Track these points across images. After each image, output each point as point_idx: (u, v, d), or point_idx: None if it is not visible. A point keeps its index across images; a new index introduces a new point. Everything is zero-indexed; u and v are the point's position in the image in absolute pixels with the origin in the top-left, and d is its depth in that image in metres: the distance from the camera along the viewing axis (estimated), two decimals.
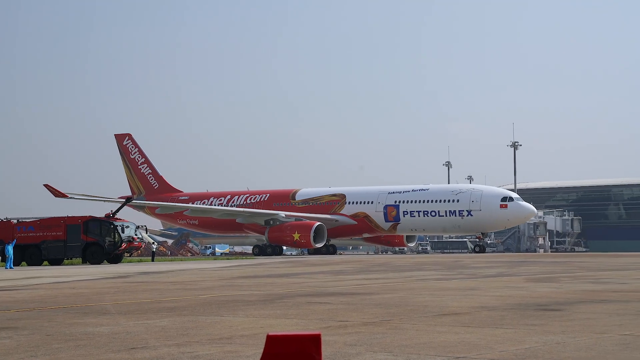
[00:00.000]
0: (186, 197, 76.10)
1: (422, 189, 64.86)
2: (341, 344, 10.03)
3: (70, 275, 30.25)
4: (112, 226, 48.30)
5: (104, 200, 77.34)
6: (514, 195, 62.32)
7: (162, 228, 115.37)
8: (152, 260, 55.66)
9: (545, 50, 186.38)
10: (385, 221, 65.43)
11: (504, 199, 60.92)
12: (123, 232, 48.30)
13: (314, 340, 4.79)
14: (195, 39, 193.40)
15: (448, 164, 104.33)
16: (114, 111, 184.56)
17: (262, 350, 5.37)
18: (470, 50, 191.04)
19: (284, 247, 70.40)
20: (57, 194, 60.48)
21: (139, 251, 57.16)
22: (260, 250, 68.90)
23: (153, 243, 65.34)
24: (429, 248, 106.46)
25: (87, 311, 14.89)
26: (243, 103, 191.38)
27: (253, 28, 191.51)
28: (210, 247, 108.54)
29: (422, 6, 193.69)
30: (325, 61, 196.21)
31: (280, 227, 65.72)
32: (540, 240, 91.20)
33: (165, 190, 78.57)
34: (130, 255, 54.08)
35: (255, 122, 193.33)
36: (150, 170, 79.74)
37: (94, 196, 72.90)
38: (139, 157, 79.91)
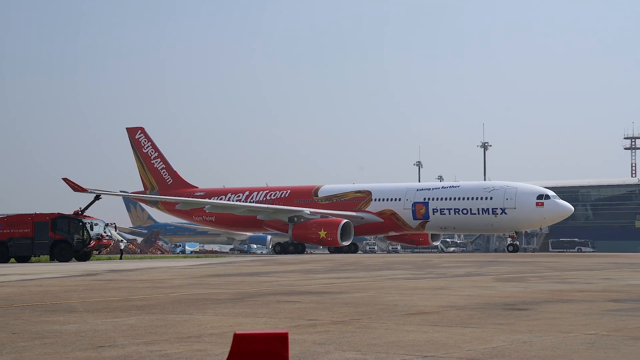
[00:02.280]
0: (202, 193, 73.82)
1: (453, 186, 63.04)
2: (310, 342, 10.04)
3: (38, 273, 29.95)
4: (80, 223, 47.88)
5: (124, 196, 76.80)
6: (550, 192, 59.76)
7: (131, 226, 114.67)
8: (120, 258, 55.26)
9: (515, 51, 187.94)
10: (414, 219, 63.34)
11: (540, 196, 58.74)
12: (92, 229, 47.91)
13: (282, 339, 4.79)
14: (211, 31, 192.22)
15: (419, 164, 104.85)
16: (125, 104, 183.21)
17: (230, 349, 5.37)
18: (441, 51, 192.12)
19: (306, 245, 68.38)
20: (76, 188, 59.79)
21: (108, 249, 56.66)
22: (282, 248, 66.50)
23: (121, 241, 64.53)
24: (399, 247, 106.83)
25: (55, 309, 14.75)
26: (259, 98, 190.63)
27: (255, 24, 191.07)
28: (180, 245, 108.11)
29: (396, 8, 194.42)
30: (301, 60, 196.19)
31: (305, 224, 63.51)
32: (510, 241, 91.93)
33: (179, 185, 76.36)
34: (99, 253, 53.65)
35: (270, 117, 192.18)
36: (163, 165, 77.37)
37: (112, 191, 72.28)
38: (152, 151, 77.49)
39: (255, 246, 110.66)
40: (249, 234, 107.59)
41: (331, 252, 66.05)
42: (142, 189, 76.31)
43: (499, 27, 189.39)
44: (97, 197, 52.26)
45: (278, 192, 70.27)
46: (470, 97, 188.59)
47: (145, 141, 77.16)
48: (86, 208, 49.93)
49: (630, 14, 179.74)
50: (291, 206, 66.31)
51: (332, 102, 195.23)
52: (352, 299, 16.31)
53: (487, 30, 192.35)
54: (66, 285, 22.18)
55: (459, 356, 9.01)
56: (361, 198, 66.38)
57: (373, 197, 65.74)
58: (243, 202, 68.43)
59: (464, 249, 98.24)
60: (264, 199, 70.02)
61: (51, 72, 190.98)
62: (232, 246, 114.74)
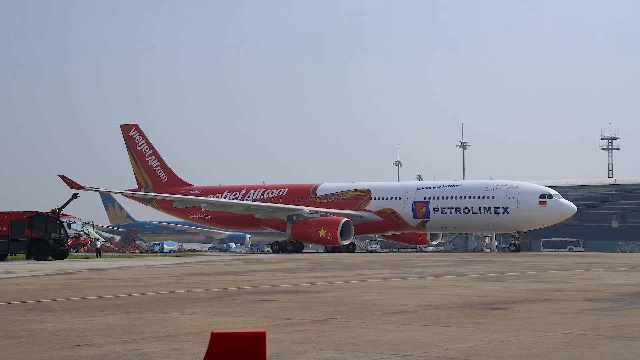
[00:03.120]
0: (198, 191, 72.64)
1: (454, 185, 61.91)
2: (288, 341, 10.04)
3: (14, 272, 29.70)
4: (57, 222, 47.56)
5: (122, 194, 75.88)
6: (553, 192, 59.09)
7: (109, 224, 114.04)
8: (98, 257, 54.93)
9: (494, 52, 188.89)
10: (414, 218, 62.23)
11: (543, 195, 57.89)
12: (69, 227, 47.60)
13: (259, 338, 4.77)
14: (207, 26, 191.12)
15: (398, 163, 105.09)
16: (119, 101, 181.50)
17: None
18: (420, 50, 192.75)
19: (304, 244, 67.38)
20: (72, 185, 58.98)
21: (86, 247, 56.31)
22: (280, 247, 65.25)
23: (98, 239, 63.99)
24: (378, 247, 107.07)
25: (31, 308, 14.64)
26: (255, 95, 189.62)
27: (252, 21, 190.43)
28: (158, 244, 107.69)
29: (376, 6, 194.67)
30: (285, 59, 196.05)
31: (305, 222, 62.44)
32: (487, 240, 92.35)
33: (174, 183, 75.20)
34: (76, 252, 53.31)
35: (266, 114, 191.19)
36: (158, 163, 76.05)
37: (110, 190, 71.46)
38: (147, 148, 76.16)
39: (234, 245, 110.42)
40: (228, 233, 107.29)
41: (328, 251, 65.05)
42: (136, 187, 75.59)
43: (478, 28, 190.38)
44: (75, 195, 51.88)
45: (275, 190, 69.21)
46: (450, 98, 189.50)
47: (139, 138, 76.04)
48: (64, 206, 49.60)
49: (608, 17, 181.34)
50: (289, 205, 65.44)
51: (310, 101, 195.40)
52: (330, 298, 16.32)
53: (467, 31, 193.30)
54: (43, 284, 22.01)
55: (436, 355, 9.04)
56: (360, 197, 65.41)
57: (373, 196, 64.64)
58: (240, 200, 67.75)
59: (443, 248, 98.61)
60: (261, 197, 69.05)
61: (44, 69, 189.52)
62: (210, 245, 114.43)
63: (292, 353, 9.17)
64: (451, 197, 60.57)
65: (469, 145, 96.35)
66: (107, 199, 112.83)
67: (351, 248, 64.69)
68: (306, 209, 63.17)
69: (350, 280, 23.11)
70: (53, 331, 11.12)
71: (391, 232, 66.27)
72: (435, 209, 60.83)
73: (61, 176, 59.48)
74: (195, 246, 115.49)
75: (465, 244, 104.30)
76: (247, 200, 67.57)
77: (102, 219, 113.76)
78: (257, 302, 15.67)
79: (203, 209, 68.36)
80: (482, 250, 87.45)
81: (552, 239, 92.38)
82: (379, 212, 63.49)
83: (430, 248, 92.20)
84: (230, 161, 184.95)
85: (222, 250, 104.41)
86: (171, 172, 74.64)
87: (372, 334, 10.69)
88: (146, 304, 15.32)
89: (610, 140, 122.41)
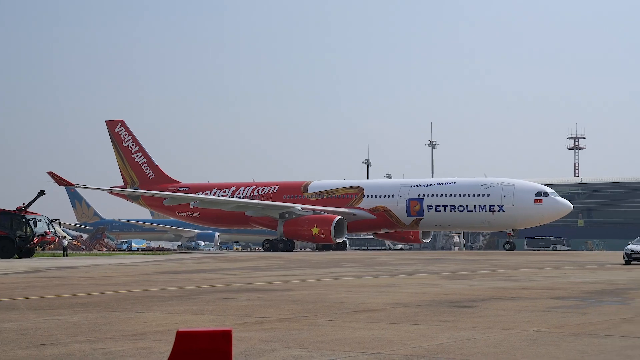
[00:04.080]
0: (186, 189, 71.22)
1: (448, 182, 60.78)
2: (256, 340, 10.03)
3: None
4: (23, 219, 46.98)
5: (110, 192, 74.35)
6: (549, 190, 58.28)
7: (76, 222, 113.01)
8: (64, 255, 54.39)
9: (463, 51, 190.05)
10: (408, 216, 61.21)
11: (539, 193, 57.22)
12: (35, 225, 47.05)
13: (225, 337, 4.75)
14: (197, 22, 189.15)
15: (367, 162, 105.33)
16: (105, 96, 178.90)
17: None
18: (390, 49, 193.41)
19: (295, 243, 66.47)
20: (61, 182, 57.69)
21: (52, 245, 55.70)
22: (271, 246, 63.87)
23: (64, 237, 63.22)
24: (347, 245, 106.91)
25: None
26: (243, 90, 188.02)
27: (247, 18, 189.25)
28: (126, 242, 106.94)
29: (345, 7, 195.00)
30: (250, 57, 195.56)
31: (297, 220, 61.28)
32: (456, 239, 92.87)
33: (161, 180, 73.71)
34: (42, 250, 52.75)
35: (255, 110, 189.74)
36: (145, 159, 74.47)
37: (99, 187, 70.25)
38: (133, 145, 74.55)
39: (203, 243, 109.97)
40: (197, 231, 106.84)
41: (319, 249, 63.87)
42: (122, 184, 74.38)
43: (447, 27, 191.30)
44: (42, 193, 51.29)
45: (266, 187, 68.06)
46: (419, 97, 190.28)
47: (125, 134, 74.52)
48: (30, 204, 49.01)
49: (575, 18, 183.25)
50: (279, 202, 64.63)
51: (281, 99, 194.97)
52: (299, 297, 16.33)
53: (434, 31, 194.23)
54: (8, 283, 21.75)
55: (404, 353, 9.08)
56: (353, 194, 64.43)
57: (365, 194, 63.53)
58: (229, 197, 66.82)
59: (412, 246, 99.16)
60: (251, 194, 67.92)
61: (29, 64, 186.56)
62: (179, 243, 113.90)
63: (260, 351, 9.16)
64: (445, 195, 59.67)
65: (438, 144, 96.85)
66: (74, 196, 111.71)
67: (342, 246, 63.95)
68: (298, 206, 62.29)
69: (319, 278, 23.13)
70: (18, 330, 11.00)
71: (384, 230, 65.32)
72: (430, 207, 59.94)
73: (50, 173, 58.49)
74: (163, 244, 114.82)
75: (433, 242, 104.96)
76: (236, 197, 66.65)
77: (69, 216, 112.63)
78: (225, 300, 15.63)
79: (192, 207, 67.37)
80: (450, 249, 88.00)
81: (535, 237, 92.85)
82: (371, 210, 62.56)
83: (400, 247, 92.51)
84: (218, 158, 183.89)
85: (190, 249, 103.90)
86: (158, 169, 73.43)
87: (340, 332, 10.71)
88: (113, 302, 15.21)
89: (576, 140, 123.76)
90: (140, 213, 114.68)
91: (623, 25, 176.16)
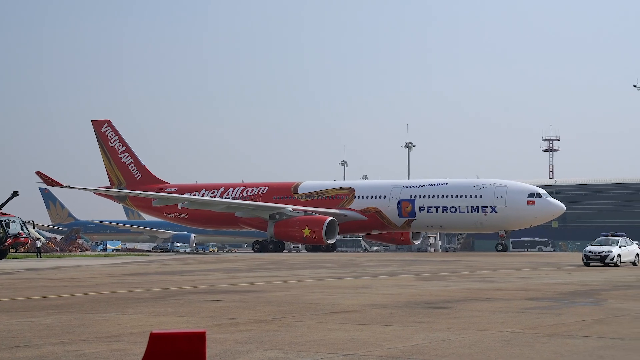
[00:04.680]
0: (174, 189, 69.97)
1: (440, 183, 60.10)
2: (232, 341, 10.00)
3: None
4: None
5: (98, 193, 73.32)
6: (541, 191, 57.97)
7: (50, 223, 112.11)
8: (38, 257, 53.92)
9: (438, 52, 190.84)
10: (399, 217, 60.43)
11: (531, 195, 56.84)
12: (8, 227, 46.57)
13: (199, 338, 4.73)
14: (179, 23, 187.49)
15: (344, 163, 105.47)
16: (91, 96, 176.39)
17: None
18: (365, 50, 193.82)
19: (285, 244, 65.73)
20: (49, 182, 56.82)
21: (26, 247, 55.17)
22: (261, 247, 62.83)
23: (38, 239, 62.59)
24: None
25: None
26: (232, 90, 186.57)
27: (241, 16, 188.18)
28: (101, 244, 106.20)
29: (321, 7, 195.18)
30: (235, 58, 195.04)
31: (288, 221, 60.45)
32: (432, 240, 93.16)
33: (149, 181, 72.38)
34: (16, 251, 52.24)
35: (244, 110, 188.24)
36: (132, 160, 73.11)
37: (87, 188, 69.32)
38: (120, 145, 73.16)
39: (178, 244, 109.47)
40: (173, 232, 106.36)
41: (308, 250, 63.25)
42: (108, 185, 73.24)
43: (423, 28, 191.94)
44: (15, 194, 50.79)
45: (255, 188, 67.23)
46: (395, 98, 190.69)
47: (112, 134, 73.32)
48: (3, 205, 48.50)
49: (550, 20, 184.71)
50: (269, 203, 64.06)
51: (257, 100, 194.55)
52: (275, 298, 16.31)
53: (412, 32, 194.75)
54: None
55: (379, 354, 9.11)
56: (344, 195, 63.72)
57: (356, 194, 62.71)
58: (218, 198, 66.04)
59: (388, 247, 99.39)
60: (240, 195, 67.05)
61: (14, 64, 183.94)
62: (155, 244, 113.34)
63: (235, 353, 9.14)
64: (437, 196, 59.09)
65: (414, 146, 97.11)
66: (48, 197, 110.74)
67: (332, 247, 63.46)
68: (289, 207, 61.58)
69: (295, 279, 23.13)
70: None
71: (375, 232, 64.65)
72: (422, 208, 59.33)
73: (38, 173, 57.83)
74: (139, 246, 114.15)
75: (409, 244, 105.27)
76: (225, 198, 66.02)
77: (43, 217, 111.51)
78: (200, 302, 15.58)
79: (180, 207, 66.43)
80: (426, 250, 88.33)
81: (521, 238, 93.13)
82: (363, 211, 61.81)
83: (376, 248, 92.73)
84: (205, 158, 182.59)
85: (166, 250, 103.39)
86: (145, 170, 72.39)
87: (315, 334, 10.72)
88: (87, 304, 15.10)
89: (551, 142, 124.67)
90: (115, 214, 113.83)
91: (598, 28, 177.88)
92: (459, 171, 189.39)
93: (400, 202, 60.32)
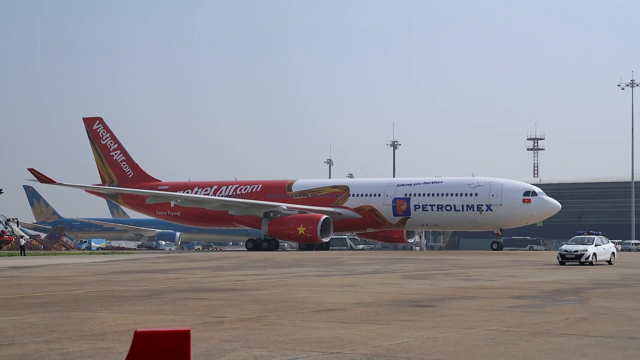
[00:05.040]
0: (166, 187, 69.43)
1: (435, 182, 59.93)
2: (217, 340, 9.99)
3: None
4: None
5: (91, 190, 72.73)
6: (537, 189, 57.92)
7: (35, 221, 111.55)
8: (22, 255, 53.64)
9: (424, 52, 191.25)
10: (394, 215, 60.14)
11: (527, 193, 56.81)
12: None
13: (184, 336, 4.72)
14: (172, 21, 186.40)
15: (329, 162, 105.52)
16: (82, 94, 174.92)
17: None
18: (351, 49, 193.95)
19: (279, 242, 64.04)
20: (42, 179, 56.42)
21: (9, 245, 54.89)
22: (255, 245, 62.68)
23: (22, 237, 62.23)
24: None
25: None
26: (222, 89, 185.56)
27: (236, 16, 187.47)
28: (86, 242, 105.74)
29: (307, 7, 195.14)
30: (225, 57, 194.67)
31: (282, 220, 60.13)
32: (417, 238, 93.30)
33: (141, 179, 71.81)
34: None
35: (234, 108, 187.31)
36: (124, 157, 72.55)
37: (80, 185, 68.80)
38: (111, 142, 72.59)
39: (163, 242, 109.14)
40: (158, 230, 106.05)
41: (302, 249, 62.93)
42: (100, 183, 72.67)
43: (408, 28, 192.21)
44: None
45: (249, 186, 66.89)
46: (381, 97, 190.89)
47: (103, 132, 72.75)
48: None
49: (533, 18, 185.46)
50: (263, 201, 63.79)
51: (247, 99, 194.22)
52: (260, 296, 16.30)
53: (397, 32, 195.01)
54: None
55: (364, 352, 9.12)
56: (338, 193, 63.37)
57: (351, 193, 62.22)
58: (211, 196, 65.70)
59: (373, 246, 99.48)
60: (234, 193, 66.67)
61: (5, 61, 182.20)
62: (140, 242, 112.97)
63: (221, 351, 9.13)
64: (432, 194, 58.91)
65: (400, 144, 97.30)
66: (32, 195, 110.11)
67: (325, 246, 63.20)
68: (284, 205, 61.25)
69: (281, 278, 23.12)
70: None
71: (370, 230, 64.41)
72: (417, 206, 59.10)
73: (31, 170, 57.52)
74: (124, 244, 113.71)
75: (395, 243, 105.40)
76: (219, 196, 65.64)
77: (28, 215, 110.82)
78: (185, 300, 15.55)
79: (172, 205, 66.18)
80: (411, 249, 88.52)
81: (512, 237, 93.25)
82: (357, 209, 61.42)
83: (361, 247, 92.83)
84: (196, 156, 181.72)
85: (151, 248, 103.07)
86: (137, 167, 71.84)
87: (300, 332, 10.72)
88: (72, 302, 15.04)
89: (536, 141, 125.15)
90: (100, 212, 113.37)
91: (582, 28, 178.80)
92: (444, 170, 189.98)
93: (395, 200, 60.10)
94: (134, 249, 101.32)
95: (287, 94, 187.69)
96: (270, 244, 62.02)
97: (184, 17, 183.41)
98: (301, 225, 58.90)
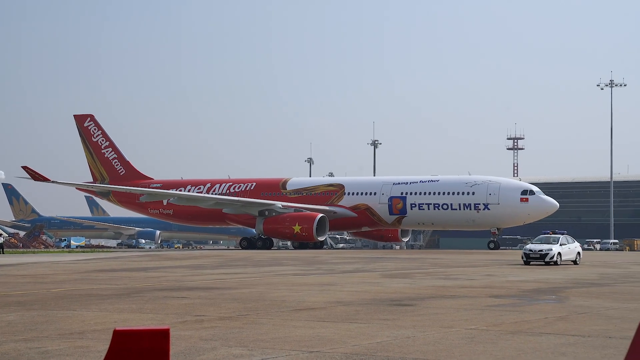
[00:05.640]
0: (159, 185, 68.55)
1: (432, 180, 59.64)
2: (197, 338, 9.97)
3: None
4: None
5: (85, 189, 71.93)
6: (535, 188, 57.39)
7: (13, 219, 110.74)
8: (0, 253, 53.22)
9: (403, 51, 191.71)
10: (390, 214, 59.69)
11: (525, 192, 56.48)
12: None
13: (163, 335, 4.71)
14: (160, 18, 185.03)
15: (310, 160, 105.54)
16: (73, 90, 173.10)
17: None
18: (332, 49, 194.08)
19: (273, 241, 63.26)
20: (37, 177, 55.70)
21: None
22: (249, 244, 62.28)
23: (1, 235, 61.63)
24: (287, 243, 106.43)
25: None
26: (215, 86, 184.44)
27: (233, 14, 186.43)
28: (65, 240, 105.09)
29: (288, 4, 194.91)
30: (208, 57, 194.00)
31: (277, 218, 59.55)
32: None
33: (133, 176, 70.87)
34: None
35: (216, 107, 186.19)
36: (115, 155, 71.61)
37: (74, 183, 68.07)
38: (103, 140, 71.65)
39: (143, 241, 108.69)
40: (138, 229, 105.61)
41: (295, 247, 62.80)
42: (91, 180, 72.03)
43: (386, 26, 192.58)
44: None
45: (242, 184, 66.26)
46: (361, 96, 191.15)
47: (95, 129, 71.98)
48: None
49: (513, 17, 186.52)
50: (257, 199, 63.39)
51: (223, 98, 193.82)
52: (240, 295, 16.28)
53: (376, 30, 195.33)
54: None
55: (344, 351, 9.13)
56: (333, 192, 62.84)
57: (346, 191, 61.49)
58: (205, 194, 65.14)
59: (353, 245, 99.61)
60: (228, 191, 66.05)
61: None
62: (119, 241, 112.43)
63: (200, 350, 9.12)
64: (429, 193, 58.57)
65: (380, 143, 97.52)
66: (11, 193, 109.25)
67: (319, 245, 62.88)
68: (279, 203, 60.78)
69: (261, 277, 23.10)
70: None
71: (365, 229, 63.84)
72: (413, 205, 58.66)
73: (24, 167, 56.85)
74: (103, 242, 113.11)
75: (375, 242, 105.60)
76: (212, 194, 64.96)
77: (6, 213, 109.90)
78: (165, 298, 15.50)
79: (165, 204, 65.62)
80: (391, 247, 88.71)
81: (502, 236, 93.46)
82: (352, 208, 60.72)
83: (342, 245, 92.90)
84: (188, 154, 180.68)
85: (131, 246, 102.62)
86: (129, 165, 71.05)
87: (280, 331, 10.72)
88: (51, 301, 14.95)
89: (515, 140, 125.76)
90: (79, 210, 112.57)
91: (562, 28, 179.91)
92: (424, 169, 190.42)
93: (391, 199, 59.70)
94: (114, 247, 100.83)
95: (267, 93, 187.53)
96: (265, 243, 61.50)
97: (173, 17, 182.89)
98: (297, 224, 58.42)
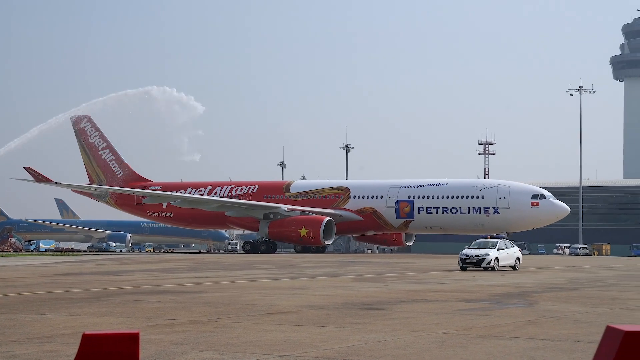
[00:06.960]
0: (158, 187, 67.03)
1: (440, 184, 58.43)
2: (167, 342, 9.92)
3: None
4: None
5: (76, 190, 70.63)
6: (546, 192, 56.66)
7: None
8: None
9: (375, 55, 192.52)
10: (397, 218, 58.66)
11: (535, 196, 55.64)
12: None
13: (132, 339, 4.68)
14: (157, 16, 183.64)
15: (282, 164, 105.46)
16: (69, 91, 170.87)
17: None
18: (306, 51, 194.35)
19: (277, 244, 62.42)
20: (39, 178, 54.78)
21: None
22: (253, 248, 61.27)
23: None
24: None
25: None
26: (214, 86, 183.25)
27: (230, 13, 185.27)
28: (34, 243, 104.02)
29: (264, 6, 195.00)
30: (185, 57, 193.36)
31: (283, 221, 58.58)
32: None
33: (131, 179, 69.15)
34: None
35: (226, 107, 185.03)
36: (113, 157, 69.75)
37: (76, 184, 66.93)
38: (100, 141, 69.68)
39: (114, 244, 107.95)
40: (108, 232, 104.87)
41: (297, 251, 61.19)
42: (87, 182, 70.69)
43: (361, 29, 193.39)
44: None
45: (245, 187, 64.97)
46: (334, 100, 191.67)
47: (91, 130, 70.43)
48: None
49: (486, 22, 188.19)
50: (260, 202, 62.27)
51: (206, 99, 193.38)
52: (211, 299, 16.22)
53: (350, 33, 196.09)
54: None
55: (315, 355, 9.14)
56: (339, 195, 61.57)
57: (352, 194, 60.37)
58: (206, 197, 64.10)
59: (339, 248, 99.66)
60: (229, 194, 64.76)
61: None
62: (90, 244, 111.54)
63: (171, 354, 9.07)
64: (437, 197, 57.52)
65: (352, 147, 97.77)
66: None
67: (322, 249, 61.85)
68: (284, 207, 59.72)
69: (232, 280, 23.03)
70: None
71: (371, 233, 62.02)
72: (420, 209, 57.63)
73: (27, 168, 56.07)
74: (73, 245, 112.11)
75: (347, 245, 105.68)
76: (214, 197, 63.93)
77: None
78: (136, 302, 15.40)
79: (164, 206, 64.46)
80: (363, 251, 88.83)
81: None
82: (358, 211, 59.41)
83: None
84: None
85: (101, 250, 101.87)
86: (127, 167, 69.44)
87: (252, 335, 10.70)
88: (19, 304, 14.79)
89: (486, 145, 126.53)
90: (48, 213, 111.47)
91: (533, 33, 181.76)
92: (394, 172, 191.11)
93: (398, 202, 58.30)
94: (84, 250, 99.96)
95: (240, 97, 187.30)
96: (269, 246, 60.06)
97: (164, 17, 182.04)
98: (303, 227, 57.14)
